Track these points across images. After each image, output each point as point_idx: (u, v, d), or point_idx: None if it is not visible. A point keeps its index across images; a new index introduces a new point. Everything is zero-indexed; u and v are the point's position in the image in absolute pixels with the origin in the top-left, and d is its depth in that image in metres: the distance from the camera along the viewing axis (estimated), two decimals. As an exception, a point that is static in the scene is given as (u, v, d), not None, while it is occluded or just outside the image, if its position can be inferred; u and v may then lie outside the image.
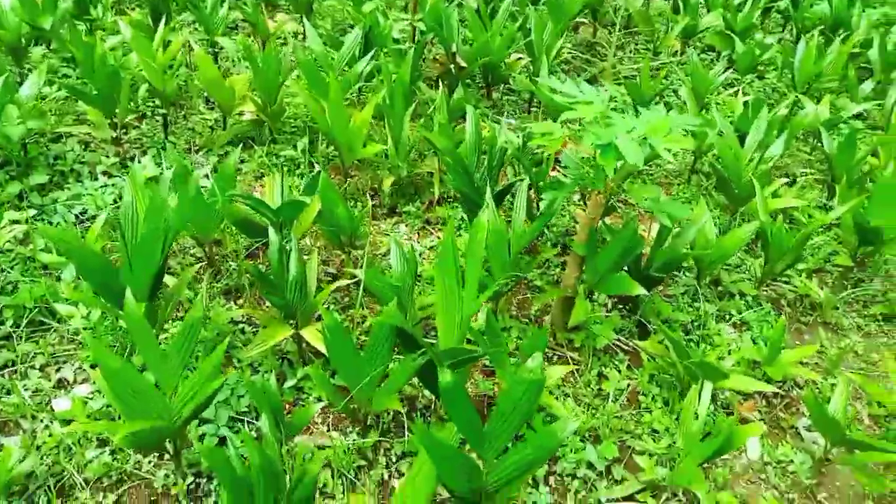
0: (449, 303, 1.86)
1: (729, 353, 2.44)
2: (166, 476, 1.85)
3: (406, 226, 3.01)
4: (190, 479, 1.84)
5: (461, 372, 1.95)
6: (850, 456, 2.03)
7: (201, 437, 1.91)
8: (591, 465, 2.04)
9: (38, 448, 1.84)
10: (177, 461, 1.80)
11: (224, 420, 1.95)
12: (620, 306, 2.65)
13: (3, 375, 2.05)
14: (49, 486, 1.76)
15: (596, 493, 1.99)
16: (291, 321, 2.11)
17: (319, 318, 2.11)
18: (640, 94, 3.51)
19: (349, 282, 2.31)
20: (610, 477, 2.05)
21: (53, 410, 1.95)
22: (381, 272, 2.53)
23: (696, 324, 2.61)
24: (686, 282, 2.77)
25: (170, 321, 2.24)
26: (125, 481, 1.84)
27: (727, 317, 2.69)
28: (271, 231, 2.12)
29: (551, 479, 2.03)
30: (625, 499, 1.98)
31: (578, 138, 2.00)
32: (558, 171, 3.25)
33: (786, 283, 2.90)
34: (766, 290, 2.87)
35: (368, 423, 2.03)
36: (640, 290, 2.20)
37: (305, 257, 2.30)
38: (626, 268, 2.41)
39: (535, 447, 1.55)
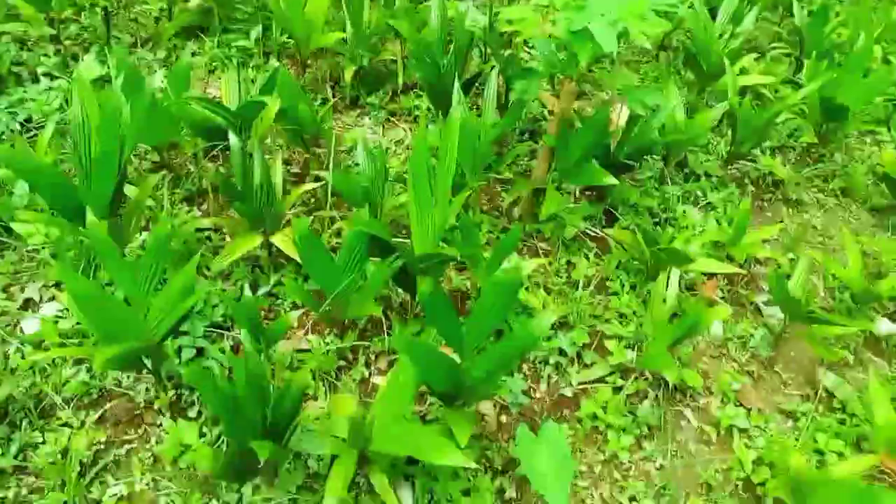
0: (422, 208, 1.84)
1: (695, 235, 2.49)
2: (147, 390, 1.87)
3: (370, 118, 2.92)
4: (171, 391, 1.86)
5: (436, 270, 1.96)
6: (806, 329, 2.14)
7: (178, 350, 1.92)
8: (562, 352, 2.12)
9: (12, 371, 1.83)
10: (157, 376, 1.82)
11: (200, 332, 1.95)
12: (588, 193, 2.65)
13: (-35, 299, 2.00)
14: (29, 408, 1.77)
15: (568, 377, 2.08)
16: (260, 228, 2.07)
17: (289, 223, 2.07)
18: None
19: (316, 185, 2.25)
20: (581, 362, 2.14)
21: (23, 332, 1.93)
22: (348, 172, 2.48)
23: (662, 207, 2.64)
24: (652, 166, 2.78)
25: (136, 232, 2.18)
26: (106, 398, 1.86)
27: (693, 198, 2.73)
28: (232, 136, 2.03)
29: (525, 367, 2.11)
30: (595, 381, 2.08)
31: (552, 22, 1.91)
32: (526, 52, 3.14)
33: (751, 161, 2.93)
34: (731, 170, 2.90)
35: (346, 324, 2.05)
36: (611, 180, 2.20)
37: (268, 158, 2.23)
38: (594, 156, 2.39)
39: (513, 345, 1.59)
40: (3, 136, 2.45)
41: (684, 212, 2.63)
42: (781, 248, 2.60)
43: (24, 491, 1.68)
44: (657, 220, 2.61)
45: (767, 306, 2.39)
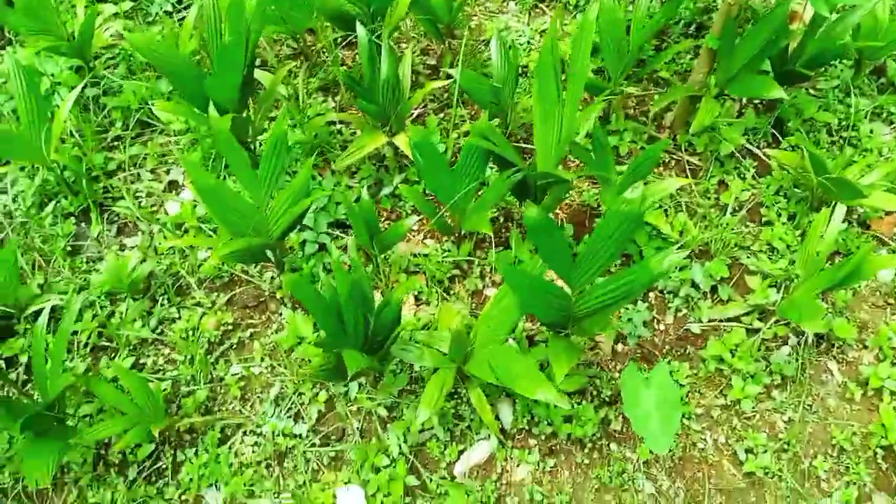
0: (547, 116, 1.68)
1: (880, 161, 2.11)
2: (272, 280, 1.95)
3: (516, 3, 2.69)
4: (293, 283, 1.93)
5: (560, 187, 1.82)
6: None
7: (302, 244, 1.97)
8: (695, 285, 1.94)
9: (155, 250, 1.98)
10: (280, 268, 1.89)
11: (323, 227, 1.99)
12: (756, 102, 2.31)
13: (118, 178, 2.16)
14: (168, 286, 1.92)
15: (698, 312, 1.91)
16: (385, 127, 2.02)
17: (418, 120, 2.00)
18: None
19: (444, 83, 2.13)
20: (716, 297, 1.95)
21: (167, 213, 2.06)
22: (479, 69, 2.32)
23: (844, 124, 2.26)
24: (839, 73, 2.35)
25: (266, 121, 2.21)
26: (235, 283, 1.97)
27: (886, 116, 2.30)
28: (359, 26, 1.94)
29: (651, 296, 1.96)
30: (728, 320, 1.90)
31: None
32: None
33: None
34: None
35: (462, 234, 1.99)
36: (779, 94, 1.88)
37: (403, 49, 2.13)
38: (769, 58, 2.05)
39: (628, 282, 1.46)
40: (157, 17, 2.53)
41: (871, 131, 2.22)
42: None
43: (160, 360, 1.86)
44: (835, 140, 2.24)
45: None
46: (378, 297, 1.71)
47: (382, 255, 1.90)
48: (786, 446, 1.72)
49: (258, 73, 2.12)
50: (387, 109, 1.97)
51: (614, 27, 1.98)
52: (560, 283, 1.51)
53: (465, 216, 1.83)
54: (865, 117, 2.28)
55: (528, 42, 2.51)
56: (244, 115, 1.94)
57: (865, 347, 1.87)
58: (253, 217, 1.68)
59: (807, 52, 2.05)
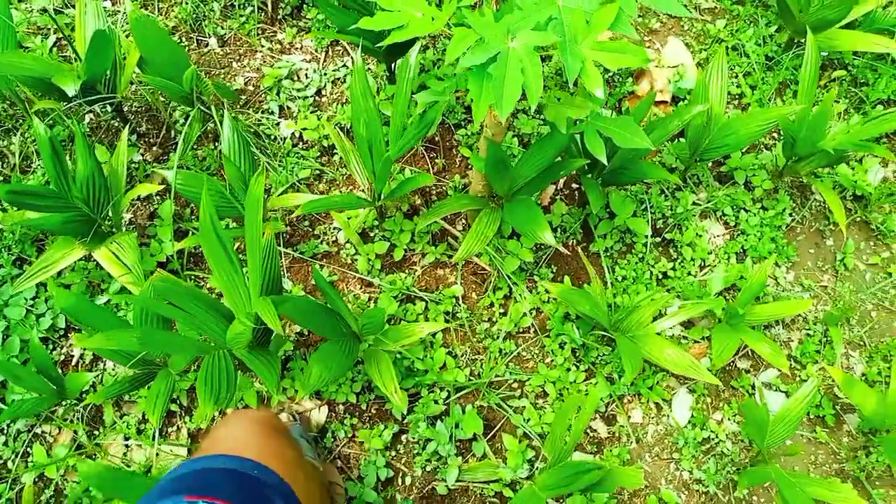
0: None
1: (701, 274, 1.82)
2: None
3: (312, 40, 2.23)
4: None
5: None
6: None
7: None
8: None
9: None
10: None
11: None
12: (566, 192, 1.97)
13: None
14: None
15: (444, 470, 1.66)
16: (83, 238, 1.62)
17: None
18: None
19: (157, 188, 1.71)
20: (470, 453, 1.68)
21: None
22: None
23: (671, 221, 1.94)
24: (674, 160, 2.00)
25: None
26: None
27: (721, 213, 1.99)
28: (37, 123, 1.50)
29: (401, 441, 1.69)
30: (479, 482, 1.65)
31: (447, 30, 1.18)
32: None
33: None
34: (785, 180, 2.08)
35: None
36: (548, 238, 1.54)
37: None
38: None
39: None
40: None
41: (698, 234, 1.92)
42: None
43: None
44: (658, 241, 1.93)
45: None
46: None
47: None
48: None
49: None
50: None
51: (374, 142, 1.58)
52: None
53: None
54: (696, 215, 1.97)
55: (319, 92, 2.08)
56: None
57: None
58: None
59: (616, 160, 1.70)
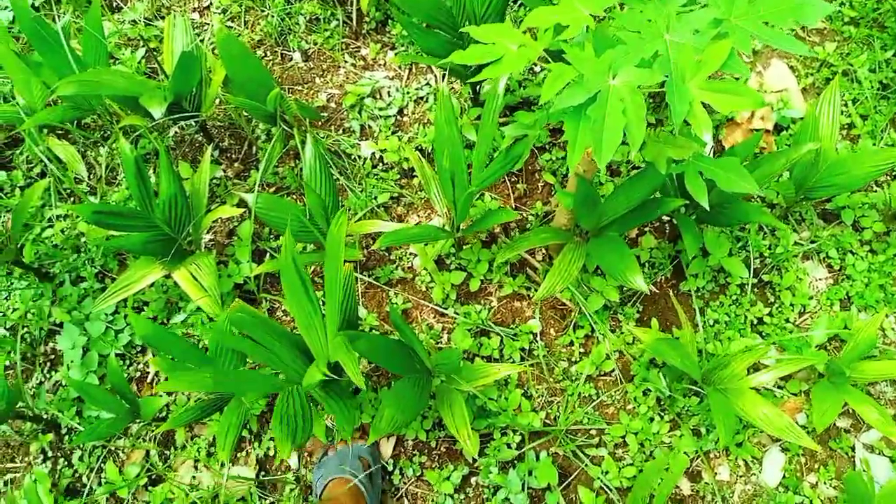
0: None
1: (801, 320, 1.69)
2: None
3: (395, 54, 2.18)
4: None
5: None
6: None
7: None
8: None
9: None
10: None
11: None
12: (656, 224, 1.85)
13: None
14: None
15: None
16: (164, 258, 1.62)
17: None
18: None
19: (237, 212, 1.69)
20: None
21: None
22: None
23: (769, 262, 1.80)
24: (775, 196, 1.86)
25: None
26: None
27: (824, 255, 1.84)
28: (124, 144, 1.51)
29: (469, 490, 1.63)
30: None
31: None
32: None
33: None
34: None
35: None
36: (639, 283, 1.45)
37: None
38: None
39: None
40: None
41: (798, 278, 1.78)
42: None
43: None
44: (755, 282, 1.79)
45: None
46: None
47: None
48: None
49: None
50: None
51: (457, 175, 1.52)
52: None
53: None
54: (797, 256, 1.83)
55: (400, 113, 2.03)
56: None
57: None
58: None
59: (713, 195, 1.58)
